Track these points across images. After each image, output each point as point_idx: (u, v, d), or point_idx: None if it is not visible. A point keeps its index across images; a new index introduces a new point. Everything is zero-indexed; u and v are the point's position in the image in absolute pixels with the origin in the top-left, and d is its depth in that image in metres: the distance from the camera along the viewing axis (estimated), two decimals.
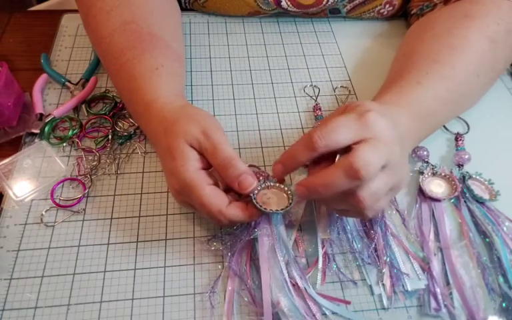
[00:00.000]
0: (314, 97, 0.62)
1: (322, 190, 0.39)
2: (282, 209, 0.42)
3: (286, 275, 0.42)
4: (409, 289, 0.43)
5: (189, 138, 0.43)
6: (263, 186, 0.43)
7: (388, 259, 0.45)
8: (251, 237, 0.44)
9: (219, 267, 0.45)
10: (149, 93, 0.49)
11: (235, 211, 0.42)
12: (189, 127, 0.43)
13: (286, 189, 0.43)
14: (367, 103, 0.41)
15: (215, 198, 0.41)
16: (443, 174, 0.52)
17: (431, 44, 0.54)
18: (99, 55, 0.59)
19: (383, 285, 0.44)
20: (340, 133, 0.38)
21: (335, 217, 0.47)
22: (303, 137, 0.40)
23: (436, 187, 0.51)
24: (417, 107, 0.47)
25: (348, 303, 0.43)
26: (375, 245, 0.46)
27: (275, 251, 0.43)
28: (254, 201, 0.41)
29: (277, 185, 0.44)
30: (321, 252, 0.45)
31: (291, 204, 0.42)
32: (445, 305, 0.42)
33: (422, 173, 0.52)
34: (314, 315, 0.41)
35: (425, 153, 0.53)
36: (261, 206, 0.41)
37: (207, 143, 0.42)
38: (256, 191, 0.42)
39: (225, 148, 0.42)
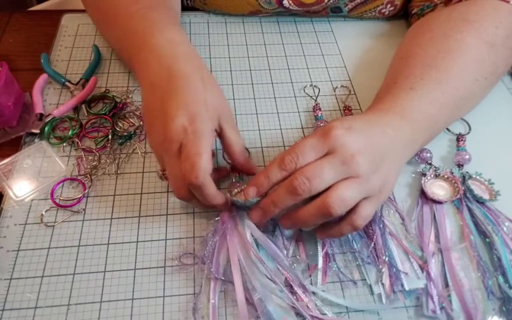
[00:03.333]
0: (314, 97, 0.62)
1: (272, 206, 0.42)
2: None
3: (259, 265, 0.43)
4: (407, 288, 0.43)
5: (221, 111, 0.45)
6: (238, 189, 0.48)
7: (387, 259, 0.45)
8: (222, 234, 0.45)
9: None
10: (147, 28, 0.51)
11: (211, 183, 0.42)
12: (226, 104, 0.47)
13: None
14: (335, 122, 0.43)
15: (209, 160, 0.42)
16: (445, 176, 0.51)
17: (427, 48, 0.54)
18: (93, 9, 0.61)
19: (382, 284, 0.44)
20: (307, 154, 0.41)
21: None
22: (276, 160, 0.42)
23: (438, 189, 0.51)
24: (412, 113, 0.47)
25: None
26: (374, 244, 0.46)
27: (246, 244, 0.44)
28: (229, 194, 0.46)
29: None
30: (321, 252, 0.45)
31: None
32: (443, 307, 0.42)
33: (424, 175, 0.52)
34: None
35: (428, 154, 0.53)
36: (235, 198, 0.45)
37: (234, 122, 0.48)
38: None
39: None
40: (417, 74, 0.51)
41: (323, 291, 0.43)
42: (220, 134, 0.46)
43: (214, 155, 0.52)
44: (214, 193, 0.43)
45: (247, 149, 0.53)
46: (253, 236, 0.45)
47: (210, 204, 0.44)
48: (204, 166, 0.41)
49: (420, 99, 0.48)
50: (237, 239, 0.45)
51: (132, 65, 0.54)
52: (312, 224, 0.43)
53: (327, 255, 0.45)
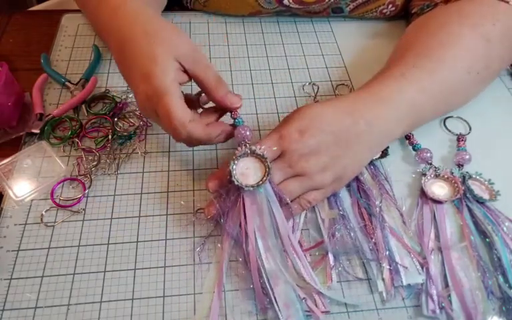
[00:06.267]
0: (313, 96, 0.62)
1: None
2: (256, 184, 0.44)
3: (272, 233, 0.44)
4: (405, 283, 0.43)
5: (178, 52, 0.45)
6: (243, 153, 0.46)
7: (387, 252, 0.45)
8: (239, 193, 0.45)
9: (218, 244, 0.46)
10: None
11: (195, 128, 0.44)
12: (180, 42, 0.46)
13: (264, 159, 0.45)
14: (292, 123, 0.46)
15: (182, 110, 0.43)
16: (445, 176, 0.51)
17: (422, 39, 0.55)
18: None
19: (383, 279, 0.44)
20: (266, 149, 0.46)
21: (332, 199, 0.49)
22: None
23: (438, 189, 0.51)
24: (398, 98, 0.49)
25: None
26: (375, 240, 0.46)
27: (262, 211, 0.44)
28: (233, 172, 0.44)
29: (257, 153, 0.45)
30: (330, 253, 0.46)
31: (265, 177, 0.44)
32: (443, 307, 0.42)
33: (424, 175, 0.52)
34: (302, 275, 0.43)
35: (428, 154, 0.53)
36: (238, 181, 0.44)
37: (200, 58, 0.46)
38: (236, 161, 0.45)
39: (214, 69, 0.48)
40: (410, 62, 0.52)
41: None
42: (190, 75, 0.47)
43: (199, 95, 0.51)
44: (204, 136, 0.45)
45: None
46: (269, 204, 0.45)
47: (209, 143, 0.47)
48: (180, 120, 0.43)
49: (409, 86, 0.50)
50: (253, 204, 0.44)
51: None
52: None
53: (334, 255, 0.46)
